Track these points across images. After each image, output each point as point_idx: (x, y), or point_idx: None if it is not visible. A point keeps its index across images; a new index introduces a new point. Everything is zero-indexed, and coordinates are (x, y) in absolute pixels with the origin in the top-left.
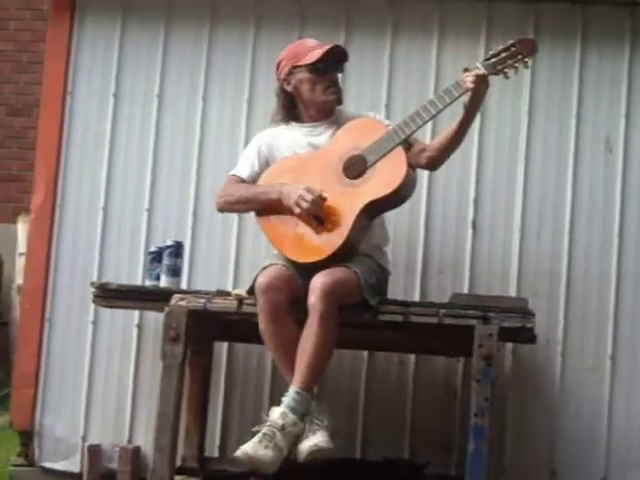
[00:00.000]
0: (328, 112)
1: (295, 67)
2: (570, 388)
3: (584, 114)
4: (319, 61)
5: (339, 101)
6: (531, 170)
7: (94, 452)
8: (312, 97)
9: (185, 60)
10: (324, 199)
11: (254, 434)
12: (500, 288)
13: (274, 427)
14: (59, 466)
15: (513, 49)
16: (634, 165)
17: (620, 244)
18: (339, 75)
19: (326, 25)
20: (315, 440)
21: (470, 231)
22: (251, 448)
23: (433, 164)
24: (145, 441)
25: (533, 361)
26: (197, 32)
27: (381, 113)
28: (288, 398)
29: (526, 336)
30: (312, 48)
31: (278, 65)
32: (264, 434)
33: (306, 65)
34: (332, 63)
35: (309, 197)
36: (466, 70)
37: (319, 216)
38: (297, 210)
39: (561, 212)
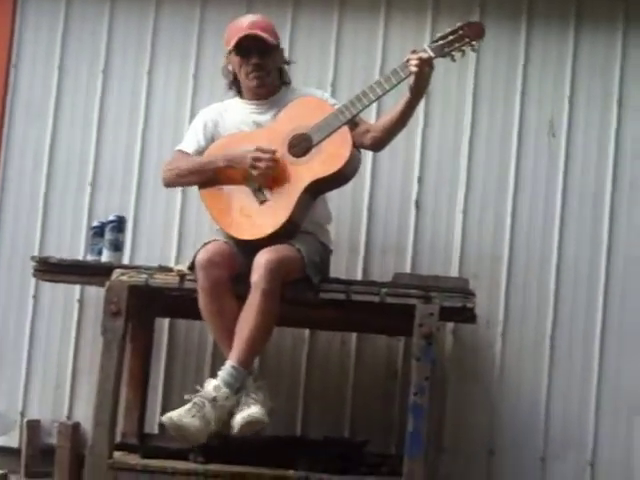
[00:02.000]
0: (264, 93)
1: (230, 50)
2: (509, 368)
3: (529, 96)
4: (237, 45)
5: (263, 85)
6: (475, 151)
7: (33, 427)
8: (242, 79)
9: (131, 34)
10: (278, 157)
11: (186, 402)
12: (442, 269)
13: (205, 398)
14: None
15: (461, 32)
16: (577, 147)
17: (561, 226)
18: (282, 48)
19: (273, 4)
20: (249, 411)
21: (413, 211)
22: (177, 415)
23: (377, 145)
24: (85, 417)
25: (473, 341)
26: (143, 6)
27: (327, 91)
28: (224, 372)
29: (466, 316)
30: (242, 29)
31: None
32: (194, 403)
33: (232, 50)
34: (253, 47)
35: (265, 156)
36: (414, 52)
37: (264, 191)
38: (254, 172)
39: (504, 194)
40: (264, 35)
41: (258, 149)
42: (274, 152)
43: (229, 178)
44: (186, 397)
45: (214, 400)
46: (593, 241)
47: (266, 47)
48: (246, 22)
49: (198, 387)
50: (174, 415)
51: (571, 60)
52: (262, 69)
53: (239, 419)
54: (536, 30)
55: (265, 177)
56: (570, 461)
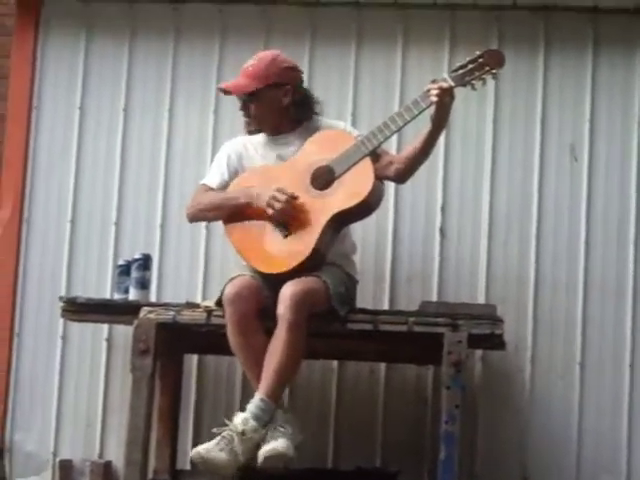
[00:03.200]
0: (270, 131)
1: None
2: (540, 394)
3: (549, 121)
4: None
5: (249, 130)
6: (498, 177)
7: (65, 467)
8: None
9: (150, 72)
10: (296, 198)
11: (215, 436)
12: (469, 295)
13: (233, 431)
14: None
15: (480, 60)
16: (599, 172)
17: (587, 250)
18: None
19: (291, 35)
20: (274, 445)
21: (438, 239)
22: (205, 449)
23: (401, 176)
24: (116, 455)
25: (502, 367)
26: (162, 44)
27: (347, 122)
28: (252, 405)
29: (495, 342)
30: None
31: None
32: (222, 437)
33: None
34: (242, 100)
35: (282, 197)
36: (434, 81)
37: (287, 226)
38: (270, 211)
39: (528, 219)
40: (230, 89)
41: (279, 190)
42: (293, 196)
43: (251, 214)
44: (214, 431)
45: (243, 434)
46: (619, 263)
47: (240, 95)
48: (244, 66)
49: (227, 421)
50: (202, 449)
51: (590, 83)
52: (246, 115)
53: (263, 452)
54: (554, 55)
55: (281, 217)
56: None
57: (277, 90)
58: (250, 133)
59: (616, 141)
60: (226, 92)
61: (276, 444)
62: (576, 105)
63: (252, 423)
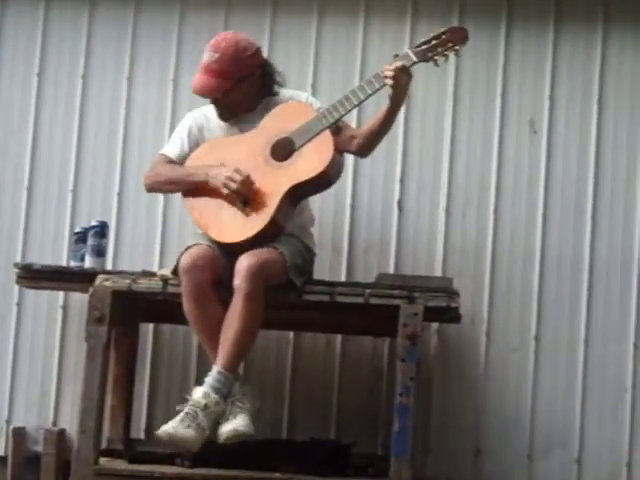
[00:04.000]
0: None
1: None
2: (495, 368)
3: (509, 96)
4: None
5: (223, 118)
6: (457, 150)
7: (19, 435)
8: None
9: (110, 40)
10: (252, 181)
11: (178, 413)
12: (425, 268)
13: (197, 407)
14: None
15: (444, 37)
16: (558, 145)
17: (544, 224)
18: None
19: (253, 6)
20: (235, 424)
21: (396, 211)
22: (172, 427)
23: (363, 151)
24: (70, 423)
25: (458, 341)
26: (122, 11)
27: (307, 92)
28: (211, 378)
29: (451, 316)
30: (199, 69)
31: None
32: (186, 413)
33: None
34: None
35: (237, 178)
36: (396, 56)
37: (245, 198)
38: (225, 191)
39: (486, 193)
40: (204, 93)
41: (236, 170)
42: (249, 178)
43: (208, 191)
44: (178, 408)
45: (205, 408)
46: (576, 237)
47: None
48: (202, 62)
49: (187, 396)
50: (169, 428)
51: (551, 59)
52: (218, 109)
53: (225, 431)
54: (515, 30)
55: (236, 197)
56: (557, 459)
57: (246, 81)
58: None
59: (575, 116)
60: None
61: (236, 423)
62: (537, 81)
63: (213, 396)
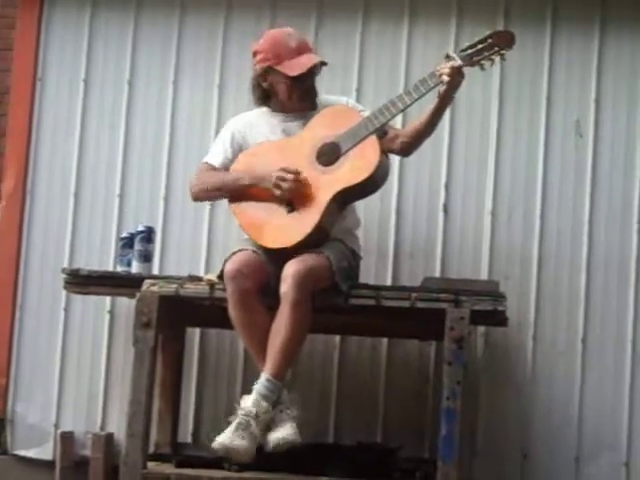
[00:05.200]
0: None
1: (272, 68)
2: (541, 370)
3: (555, 98)
4: (299, 76)
5: (313, 104)
6: (502, 154)
7: (67, 439)
8: (286, 101)
9: (155, 45)
10: (299, 174)
11: (229, 424)
12: (471, 272)
13: (249, 416)
14: (32, 453)
15: (490, 41)
16: (604, 149)
17: (590, 228)
18: None
19: (297, 11)
20: (283, 433)
21: (441, 215)
22: (227, 439)
23: (406, 150)
24: (118, 427)
25: (505, 344)
26: (167, 17)
27: (351, 97)
28: (260, 386)
29: (497, 319)
30: (294, 52)
31: (254, 54)
32: (239, 423)
33: (285, 74)
34: (312, 73)
35: (289, 176)
36: (447, 57)
37: (291, 202)
38: (277, 192)
39: (532, 196)
40: (325, 62)
41: (282, 169)
42: (298, 173)
43: (255, 194)
44: (230, 419)
45: (257, 416)
46: (622, 240)
47: (318, 70)
48: (294, 42)
49: (236, 405)
50: (225, 440)
51: (596, 61)
52: (313, 90)
53: (273, 439)
54: (561, 32)
55: (289, 196)
56: (604, 462)
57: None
58: (307, 104)
59: (621, 119)
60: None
61: (284, 432)
62: (582, 83)
63: (263, 404)
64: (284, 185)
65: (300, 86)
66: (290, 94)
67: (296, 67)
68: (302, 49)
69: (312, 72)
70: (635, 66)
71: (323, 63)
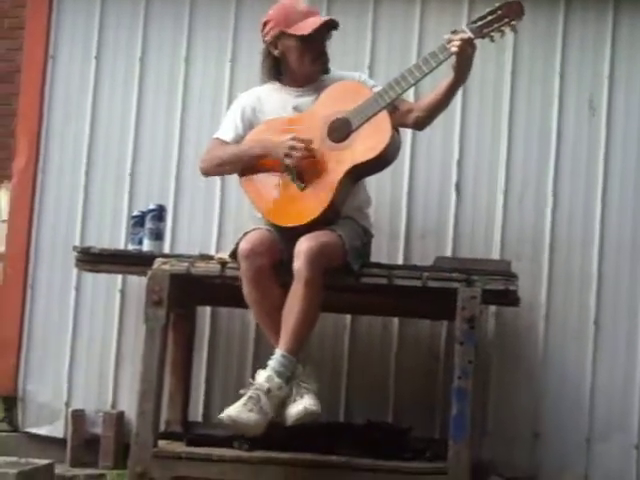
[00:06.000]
0: (314, 79)
1: (284, 33)
2: (553, 351)
3: (568, 75)
4: (310, 34)
5: (325, 70)
6: (514, 133)
7: (78, 417)
8: (299, 66)
9: (167, 22)
10: (311, 142)
11: (240, 397)
12: (483, 251)
13: (260, 390)
14: (43, 431)
15: (499, 12)
16: (617, 127)
17: (603, 208)
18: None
19: None
20: (304, 404)
21: (454, 194)
22: (235, 411)
23: (420, 124)
24: (129, 406)
25: (516, 324)
26: None
27: (364, 72)
28: (274, 361)
29: (509, 299)
30: (304, 15)
31: (264, 25)
32: (249, 397)
33: (296, 35)
34: (323, 34)
35: (300, 145)
36: (454, 32)
37: (303, 178)
38: (289, 161)
39: (544, 175)
40: (336, 21)
41: (294, 138)
42: (310, 142)
43: (267, 166)
44: (241, 392)
45: (268, 392)
46: (635, 221)
47: (329, 34)
48: (303, 7)
49: (250, 380)
50: (232, 412)
51: (610, 38)
52: (325, 54)
53: (295, 411)
54: (574, 8)
55: (300, 167)
56: (615, 443)
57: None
58: (317, 77)
59: (635, 97)
60: (325, 27)
61: (305, 403)
62: (596, 59)
63: (276, 380)
64: (295, 154)
65: (311, 47)
66: (302, 57)
67: (306, 27)
68: (311, 13)
69: (322, 33)
70: None
71: (333, 23)
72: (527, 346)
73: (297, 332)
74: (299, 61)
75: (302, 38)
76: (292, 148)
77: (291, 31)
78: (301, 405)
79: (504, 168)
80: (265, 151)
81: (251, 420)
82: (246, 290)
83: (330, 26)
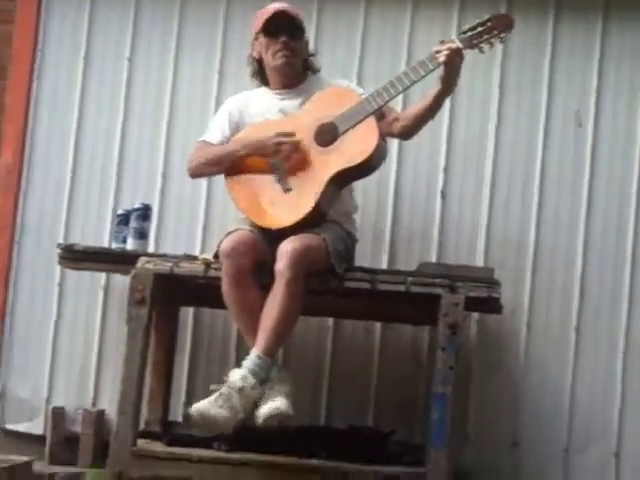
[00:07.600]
0: (290, 78)
1: (257, 33)
2: (534, 359)
3: (555, 88)
4: (266, 25)
5: (290, 65)
6: (501, 141)
7: (58, 415)
8: (269, 62)
9: (157, 23)
10: (298, 140)
11: (211, 392)
12: (467, 258)
13: (232, 388)
14: (22, 428)
15: (489, 24)
16: (603, 139)
17: (587, 218)
18: (307, 40)
19: None
20: (275, 404)
21: (439, 200)
22: (204, 406)
23: (406, 133)
24: (109, 404)
25: (498, 331)
26: None
27: (352, 81)
28: (249, 361)
29: (492, 306)
30: (269, 11)
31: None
32: (221, 394)
33: (261, 31)
34: (282, 27)
35: (287, 139)
36: (442, 42)
37: (288, 180)
38: (279, 156)
39: (530, 184)
40: (293, 14)
41: (279, 134)
42: (293, 134)
43: (253, 166)
44: (212, 387)
45: (241, 390)
46: (619, 231)
47: (294, 27)
48: (277, 5)
49: (224, 377)
50: (201, 406)
51: (598, 51)
52: (290, 49)
53: (264, 411)
54: (563, 21)
55: (289, 162)
56: (594, 452)
57: (303, 38)
58: (285, 71)
59: (622, 110)
60: (280, 19)
61: (277, 403)
62: (584, 72)
63: (250, 380)
64: (285, 147)
65: (274, 39)
66: (267, 51)
67: (263, 19)
68: (275, 8)
69: (282, 26)
70: (637, 57)
71: (285, 13)
72: (509, 353)
73: (275, 333)
74: (268, 57)
75: (265, 32)
76: (279, 144)
77: (257, 28)
78: (272, 405)
79: (490, 175)
80: (251, 150)
81: (220, 416)
82: (225, 289)
83: (287, 17)
